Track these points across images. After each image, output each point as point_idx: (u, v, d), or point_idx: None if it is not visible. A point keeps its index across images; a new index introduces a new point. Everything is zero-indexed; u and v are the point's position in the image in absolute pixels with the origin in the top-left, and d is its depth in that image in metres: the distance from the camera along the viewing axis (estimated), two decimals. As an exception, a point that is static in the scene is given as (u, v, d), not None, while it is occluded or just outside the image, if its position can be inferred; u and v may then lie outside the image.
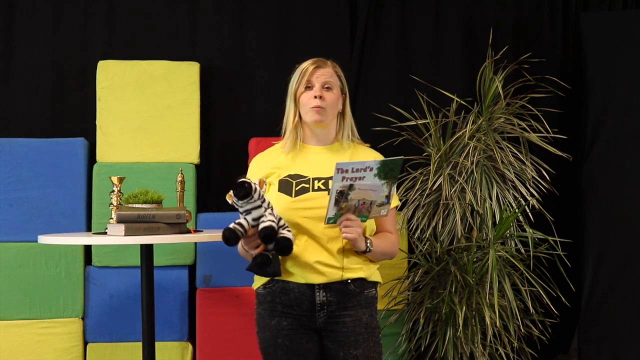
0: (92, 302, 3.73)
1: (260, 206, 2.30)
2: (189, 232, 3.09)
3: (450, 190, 3.73)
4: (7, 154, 3.73)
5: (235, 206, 2.30)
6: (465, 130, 3.78)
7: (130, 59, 3.89)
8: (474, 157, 3.72)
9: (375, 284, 2.55)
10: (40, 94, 4.02)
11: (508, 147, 3.83)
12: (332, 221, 2.38)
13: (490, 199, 3.76)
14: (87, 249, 3.78)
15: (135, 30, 4.09)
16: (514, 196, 3.79)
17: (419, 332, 3.75)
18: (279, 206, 2.42)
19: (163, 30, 4.11)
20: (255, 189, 2.28)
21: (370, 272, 2.52)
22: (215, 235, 3.06)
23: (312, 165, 2.50)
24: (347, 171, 2.29)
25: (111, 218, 3.15)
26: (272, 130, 4.01)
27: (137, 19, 4.09)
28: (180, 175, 3.28)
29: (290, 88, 2.57)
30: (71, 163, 3.77)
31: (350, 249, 2.47)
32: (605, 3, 4.35)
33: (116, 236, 2.93)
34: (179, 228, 3.01)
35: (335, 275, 2.44)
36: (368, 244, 2.45)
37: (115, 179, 3.20)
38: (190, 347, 3.77)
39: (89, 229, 3.78)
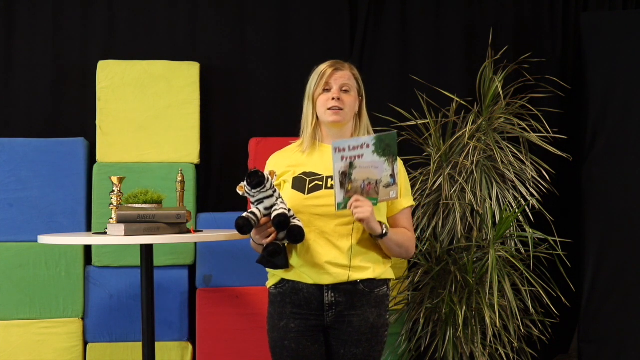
0: (92, 302, 3.73)
1: (272, 196, 2.35)
2: (189, 232, 3.08)
3: (450, 190, 3.73)
4: (7, 154, 3.73)
5: (247, 196, 2.36)
6: (465, 130, 3.78)
7: (130, 59, 3.88)
8: (474, 157, 3.72)
9: (386, 281, 2.55)
10: (40, 93, 4.02)
11: (508, 147, 3.83)
12: (342, 206, 2.37)
13: (490, 199, 3.76)
14: (87, 249, 3.78)
15: (135, 30, 4.09)
16: (514, 196, 3.79)
17: (419, 332, 3.75)
18: (292, 202, 2.46)
19: (163, 30, 4.11)
20: (268, 178, 2.34)
21: (380, 271, 2.52)
22: (215, 235, 3.06)
23: (327, 164, 2.49)
24: (344, 150, 2.32)
25: (111, 218, 3.15)
26: (272, 130, 4.07)
27: (137, 19, 4.09)
28: (180, 175, 3.28)
29: (308, 90, 2.60)
30: (71, 163, 3.77)
31: (361, 248, 2.48)
32: (605, 3, 4.35)
33: (116, 236, 2.93)
34: (179, 228, 3.01)
35: (343, 276, 2.45)
36: (384, 227, 2.45)
37: (115, 179, 3.19)
38: (190, 347, 3.77)
39: (89, 229, 3.77)
